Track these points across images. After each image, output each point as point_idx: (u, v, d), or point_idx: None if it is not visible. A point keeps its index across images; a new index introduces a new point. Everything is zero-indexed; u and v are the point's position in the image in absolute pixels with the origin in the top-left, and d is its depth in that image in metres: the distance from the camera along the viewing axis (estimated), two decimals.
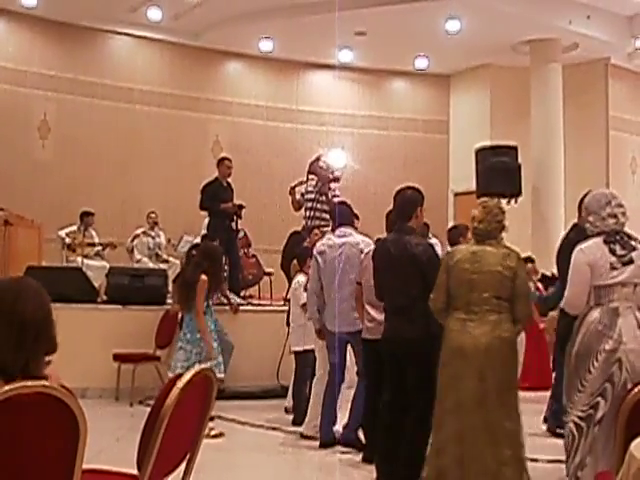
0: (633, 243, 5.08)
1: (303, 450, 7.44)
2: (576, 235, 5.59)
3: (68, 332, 10.30)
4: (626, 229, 5.19)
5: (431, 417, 5.59)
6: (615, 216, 5.11)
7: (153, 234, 14.07)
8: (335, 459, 6.93)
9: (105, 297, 10.50)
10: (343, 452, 7.13)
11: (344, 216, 7.59)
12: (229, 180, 11.49)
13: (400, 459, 5.90)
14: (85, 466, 3.02)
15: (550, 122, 14.94)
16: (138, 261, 13.76)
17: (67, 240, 13.34)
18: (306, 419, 7.78)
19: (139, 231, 14.04)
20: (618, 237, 5.05)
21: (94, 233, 13.68)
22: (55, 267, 11.67)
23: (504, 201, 13.38)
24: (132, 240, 14.00)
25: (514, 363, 5.36)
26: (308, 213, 11.17)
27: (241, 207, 11.30)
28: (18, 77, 14.61)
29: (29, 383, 2.79)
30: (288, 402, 9.19)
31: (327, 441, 7.35)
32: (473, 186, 13.93)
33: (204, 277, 7.86)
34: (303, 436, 7.74)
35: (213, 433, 7.58)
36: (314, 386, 7.77)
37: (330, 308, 7.36)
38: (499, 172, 13.17)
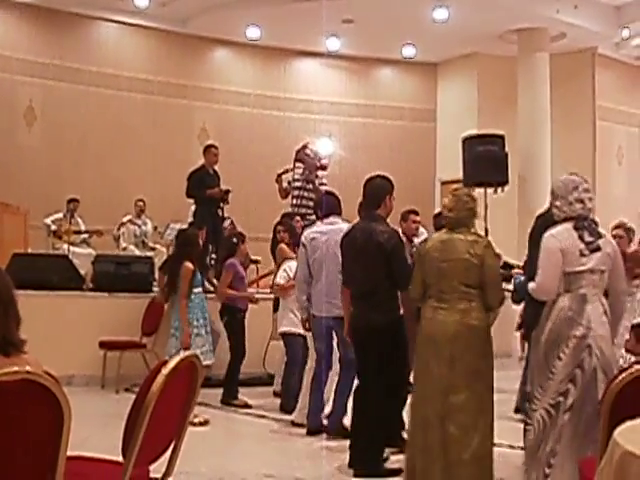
0: (600, 230, 5.14)
1: (290, 437, 7.46)
2: (544, 222, 5.62)
3: (54, 319, 10.34)
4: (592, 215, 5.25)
5: (392, 400, 5.95)
6: (582, 201, 5.14)
7: (140, 222, 14.05)
8: (322, 446, 6.95)
9: (91, 285, 10.47)
10: (329, 439, 7.15)
11: (333, 206, 7.60)
12: (215, 168, 11.48)
13: (365, 441, 6.09)
14: (70, 453, 3.02)
15: (537, 111, 14.96)
16: (124, 249, 13.74)
17: (53, 227, 13.31)
18: (297, 406, 7.79)
19: (125, 219, 14.01)
20: (586, 224, 5.10)
21: (80, 220, 13.65)
22: (41, 254, 11.64)
23: (490, 190, 13.42)
24: (118, 228, 13.97)
25: (485, 352, 5.37)
26: (295, 201, 11.17)
27: (227, 192, 11.28)
28: (4, 63, 14.49)
29: (13, 369, 2.79)
30: (277, 386, 9.23)
31: (314, 428, 7.38)
32: (460, 175, 13.93)
33: (188, 265, 7.86)
34: (294, 424, 7.76)
35: (197, 420, 7.59)
36: (306, 375, 7.77)
37: (316, 293, 7.39)
38: (486, 161, 13.17)
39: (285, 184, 11.40)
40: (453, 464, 5.20)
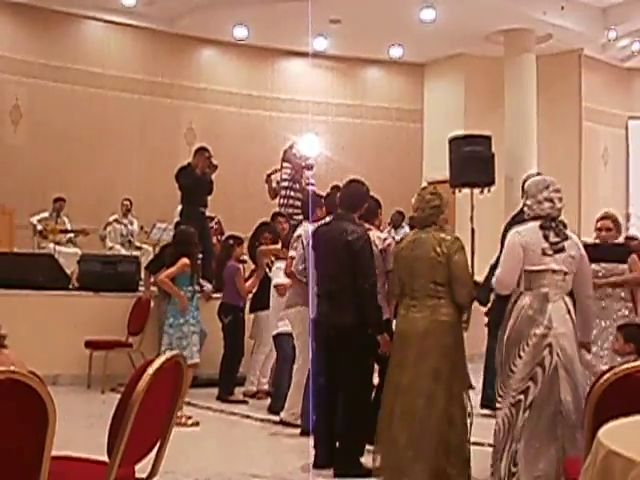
0: (567, 232, 5.16)
1: (278, 437, 7.45)
2: (515, 222, 5.69)
3: (40, 319, 10.31)
4: (562, 217, 5.28)
5: (361, 400, 5.98)
6: (551, 200, 5.19)
7: (126, 221, 14.02)
8: (310, 446, 6.92)
9: (77, 284, 10.46)
10: None
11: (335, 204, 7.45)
12: (206, 171, 11.15)
13: (334, 441, 6.17)
14: (55, 453, 3.01)
15: (523, 112, 15.01)
16: (110, 248, 13.71)
17: (39, 227, 13.26)
18: (286, 406, 7.77)
19: (112, 218, 13.99)
20: (554, 224, 5.14)
21: (66, 220, 13.60)
22: (27, 254, 11.61)
23: (477, 190, 13.45)
24: (105, 227, 13.94)
25: (456, 347, 5.41)
26: (282, 201, 11.17)
27: (215, 167, 11.14)
28: None
29: None
30: (246, 388, 9.24)
31: (309, 429, 7.36)
32: (447, 175, 13.95)
33: (185, 260, 7.89)
34: (283, 422, 7.75)
35: (190, 422, 7.62)
36: (294, 374, 7.73)
37: (311, 296, 7.36)
38: (472, 161, 13.20)
39: (274, 184, 11.39)
40: (419, 458, 5.28)
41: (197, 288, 8.25)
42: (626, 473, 2.30)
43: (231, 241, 9.65)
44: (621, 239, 8.31)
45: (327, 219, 7.33)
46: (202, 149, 11.24)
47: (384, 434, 5.54)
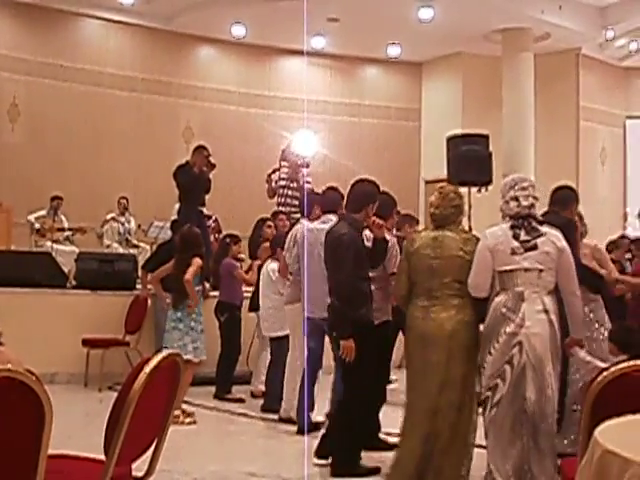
0: (541, 229, 5.14)
1: (275, 436, 7.46)
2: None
3: (37, 317, 10.31)
4: (536, 213, 5.26)
5: (354, 403, 5.99)
6: (517, 199, 5.18)
7: (123, 220, 14.01)
8: (307, 445, 6.93)
9: (74, 282, 10.45)
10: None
11: (330, 203, 7.32)
12: (204, 169, 11.14)
13: (340, 441, 6.14)
14: (52, 451, 3.01)
15: (521, 111, 15.00)
16: (108, 246, 13.71)
17: (36, 225, 13.26)
18: (283, 403, 7.78)
19: (109, 217, 13.98)
20: (525, 223, 5.13)
21: (64, 218, 13.60)
22: (24, 252, 11.60)
23: (474, 189, 13.44)
24: (102, 226, 13.94)
25: (477, 348, 5.36)
26: (280, 200, 11.18)
27: (213, 166, 11.14)
28: None
29: None
30: (254, 386, 9.24)
31: (304, 428, 7.36)
32: (444, 174, 13.94)
33: (199, 260, 7.96)
34: (281, 419, 7.77)
35: (188, 421, 7.65)
36: (287, 370, 7.76)
37: (306, 293, 7.36)
38: (470, 160, 13.17)
39: (274, 184, 11.40)
40: (436, 454, 5.25)
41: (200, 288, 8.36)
42: (622, 472, 2.31)
43: (228, 239, 9.66)
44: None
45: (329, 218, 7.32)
46: (201, 147, 11.20)
47: (410, 435, 5.44)
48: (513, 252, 5.04)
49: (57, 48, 15.08)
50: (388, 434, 6.75)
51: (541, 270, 5.04)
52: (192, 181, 10.86)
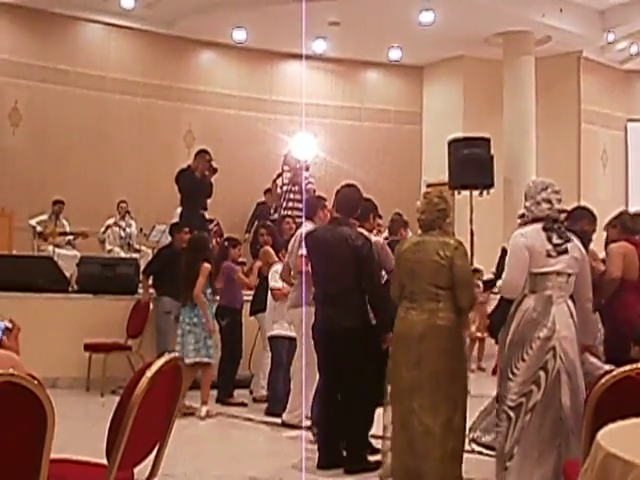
0: (569, 234, 5.15)
1: (278, 440, 7.45)
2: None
3: (39, 321, 10.30)
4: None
5: (363, 399, 6.10)
6: (549, 201, 5.18)
7: (124, 224, 14.00)
8: (309, 449, 6.91)
9: (76, 286, 10.46)
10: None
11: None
12: (206, 173, 11.17)
13: (338, 443, 6.27)
14: (54, 456, 3.01)
15: (522, 114, 15.00)
16: (110, 251, 13.70)
17: (38, 229, 13.26)
18: (288, 407, 7.76)
19: (110, 221, 13.97)
20: (556, 226, 5.13)
21: (65, 222, 13.61)
22: (26, 256, 11.60)
23: (476, 192, 13.45)
24: (104, 232, 13.92)
25: (455, 353, 5.36)
26: (284, 204, 11.22)
27: (215, 170, 11.16)
28: None
29: None
30: (255, 391, 9.24)
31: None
32: (445, 177, 13.96)
33: (207, 264, 8.04)
34: (284, 424, 7.73)
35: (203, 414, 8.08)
36: (294, 376, 7.74)
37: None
38: (471, 164, 13.20)
39: (278, 189, 11.46)
40: (421, 461, 5.25)
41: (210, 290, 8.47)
42: (625, 475, 2.30)
43: (226, 243, 9.71)
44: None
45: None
46: (203, 152, 11.23)
47: (395, 435, 5.51)
48: (548, 254, 5.03)
49: (59, 52, 15.08)
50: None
51: (569, 274, 5.06)
52: (194, 185, 10.88)
